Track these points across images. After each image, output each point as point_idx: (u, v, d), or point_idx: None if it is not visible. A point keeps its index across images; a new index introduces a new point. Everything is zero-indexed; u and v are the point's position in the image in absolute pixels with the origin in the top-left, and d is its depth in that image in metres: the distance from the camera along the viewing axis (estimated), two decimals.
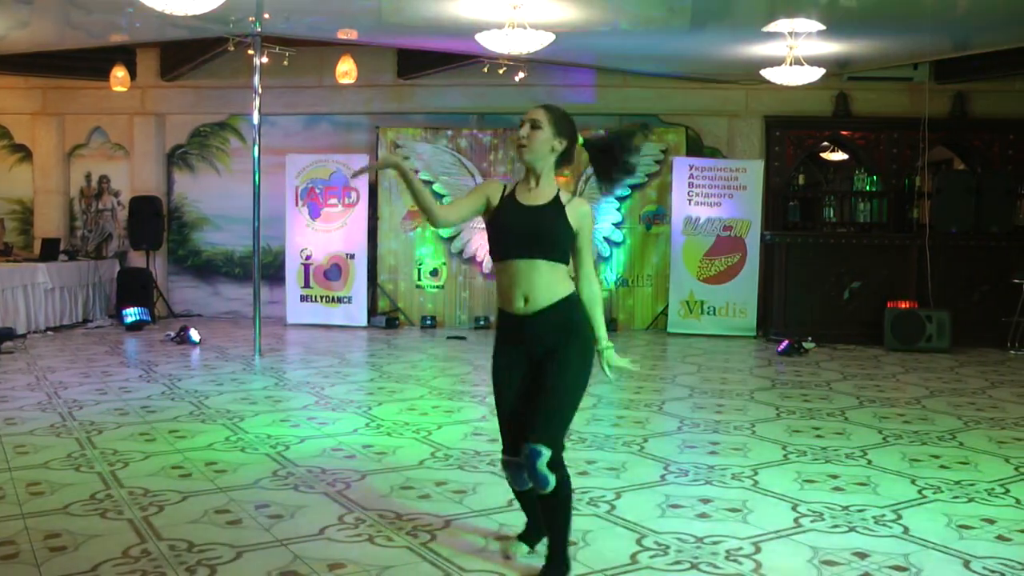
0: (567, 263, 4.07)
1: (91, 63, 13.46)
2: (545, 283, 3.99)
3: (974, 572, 4.24)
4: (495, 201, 4.12)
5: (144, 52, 14.18)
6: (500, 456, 4.22)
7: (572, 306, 4.05)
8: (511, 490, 4.34)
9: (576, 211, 4.05)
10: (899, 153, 13.53)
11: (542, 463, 3.83)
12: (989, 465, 6.19)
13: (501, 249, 4.07)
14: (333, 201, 13.47)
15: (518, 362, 4.08)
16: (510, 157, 13.60)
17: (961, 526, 4.90)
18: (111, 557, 4.25)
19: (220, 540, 4.50)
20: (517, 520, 4.77)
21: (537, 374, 4.02)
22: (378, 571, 4.13)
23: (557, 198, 4.08)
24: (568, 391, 3.99)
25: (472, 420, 7.31)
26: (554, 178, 4.14)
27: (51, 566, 4.14)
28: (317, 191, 13.47)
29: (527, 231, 4.01)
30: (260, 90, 10.59)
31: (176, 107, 14.60)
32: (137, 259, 14.29)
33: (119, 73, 13.17)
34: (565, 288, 4.04)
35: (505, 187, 4.15)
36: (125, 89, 13.45)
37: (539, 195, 4.09)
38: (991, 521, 4.99)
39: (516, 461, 4.02)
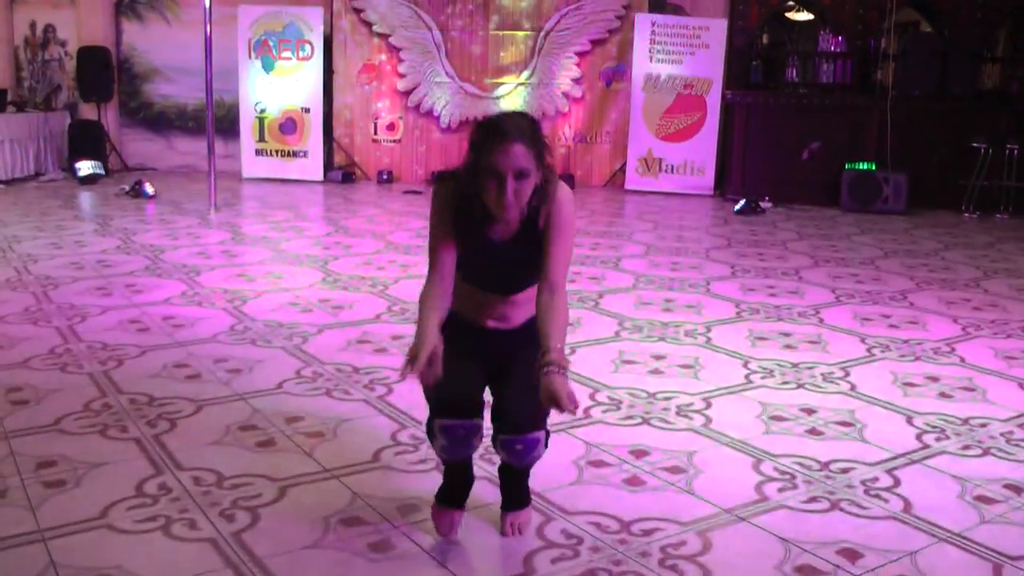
0: None
1: None
2: (524, 308, 3.18)
3: (916, 428, 4.38)
4: (460, 226, 3.08)
5: None
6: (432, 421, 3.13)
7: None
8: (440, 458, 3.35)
9: (548, 211, 3.04)
10: (865, 14, 13.34)
11: (540, 448, 3.13)
12: (937, 325, 6.33)
13: (470, 280, 3.17)
14: (287, 54, 13.17)
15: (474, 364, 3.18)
16: (468, 11, 13.34)
17: (906, 384, 5.03)
18: (73, 411, 4.28)
19: (180, 394, 4.54)
20: None
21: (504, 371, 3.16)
22: (335, 424, 4.20)
23: (530, 213, 3.06)
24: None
25: None
26: None
27: (14, 419, 4.16)
28: (271, 43, 13.16)
29: (499, 274, 3.16)
30: None
31: None
32: (88, 111, 13.97)
33: None
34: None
35: (460, 194, 3.06)
36: None
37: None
38: (935, 379, 5.13)
39: (463, 424, 3.06)
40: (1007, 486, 3.74)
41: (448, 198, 3.07)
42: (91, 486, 3.52)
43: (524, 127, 2.97)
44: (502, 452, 3.12)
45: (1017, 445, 4.19)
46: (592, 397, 4.65)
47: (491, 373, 3.18)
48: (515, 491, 3.30)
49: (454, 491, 3.29)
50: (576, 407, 2.76)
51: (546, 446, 3.15)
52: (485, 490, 3.41)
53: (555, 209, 3.04)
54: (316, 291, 6.83)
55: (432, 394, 3.06)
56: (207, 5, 10.30)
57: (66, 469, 3.65)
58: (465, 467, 3.30)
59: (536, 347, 2.92)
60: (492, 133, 2.94)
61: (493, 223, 3.06)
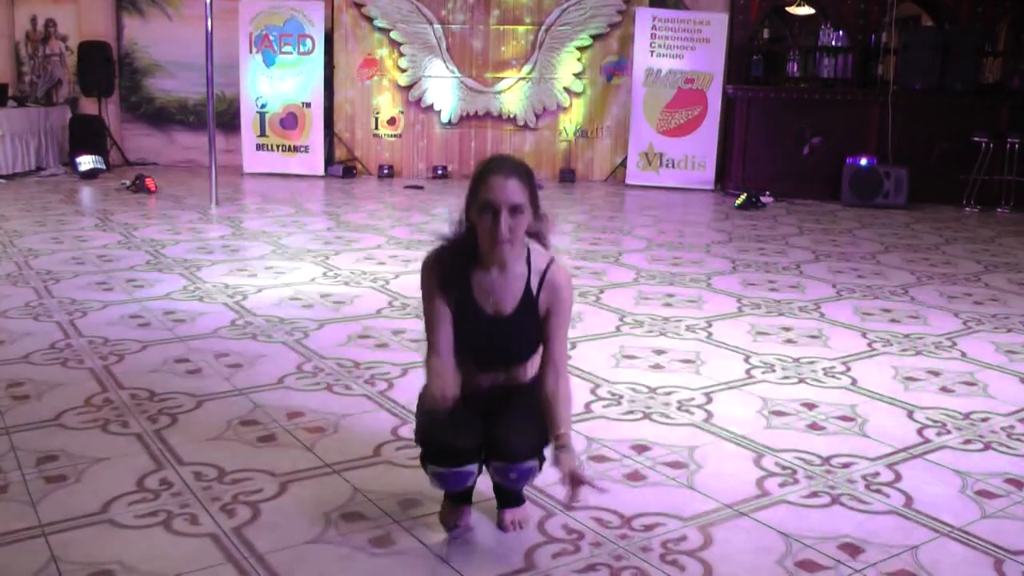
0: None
1: None
2: (526, 371, 3.18)
3: (916, 422, 4.37)
4: (452, 298, 3.06)
5: None
6: (427, 465, 3.11)
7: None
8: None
9: (548, 290, 3.07)
10: (866, 9, 13.34)
11: (534, 475, 3.14)
12: (938, 319, 6.32)
13: (466, 355, 3.10)
14: (288, 49, 13.17)
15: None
16: (469, 4, 13.33)
17: (907, 378, 5.03)
18: (74, 406, 4.28)
19: (181, 389, 4.54)
20: None
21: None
22: (336, 419, 4.19)
23: (528, 286, 3.06)
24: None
25: None
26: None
27: (15, 414, 4.16)
28: (271, 38, 13.16)
29: (499, 349, 3.12)
30: None
31: None
32: (89, 106, 13.97)
33: None
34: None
35: (454, 269, 3.06)
36: None
37: (506, 287, 3.06)
38: (936, 373, 5.12)
39: (457, 472, 3.07)
40: (1008, 480, 3.74)
41: (436, 268, 3.06)
42: (92, 481, 3.52)
43: (519, 167, 3.01)
44: (495, 476, 3.13)
45: (1018, 439, 4.19)
46: (593, 392, 4.65)
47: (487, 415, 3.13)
48: (509, 493, 3.29)
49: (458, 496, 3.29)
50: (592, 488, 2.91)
51: (540, 470, 3.13)
52: (485, 485, 3.40)
53: (558, 295, 3.08)
54: (317, 286, 6.82)
55: (424, 439, 3.10)
56: (207, 0, 10.29)
57: (67, 464, 3.64)
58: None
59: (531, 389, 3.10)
60: (486, 169, 2.97)
61: (488, 294, 3.06)
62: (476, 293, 3.07)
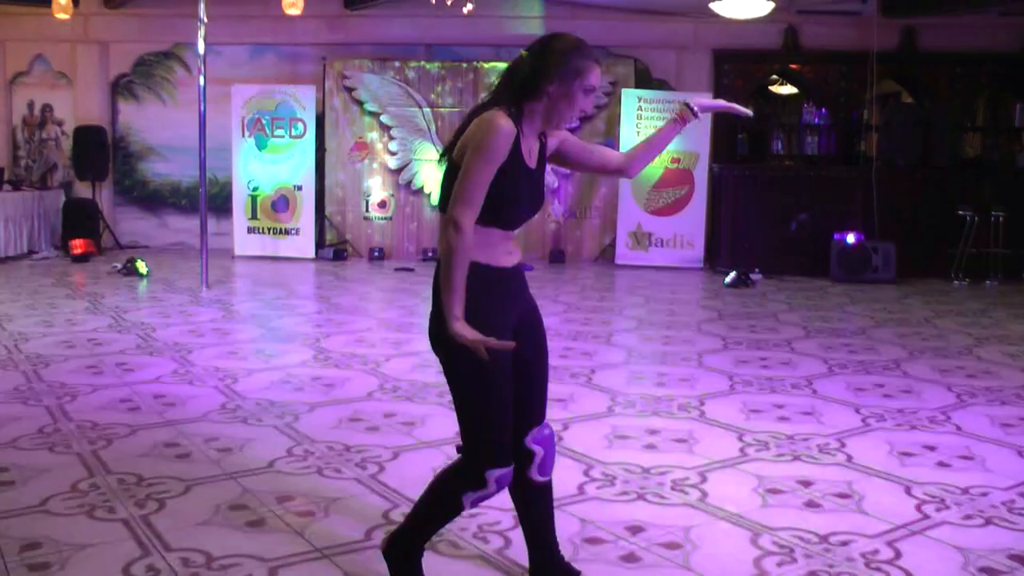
0: None
1: None
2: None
3: (915, 498, 4.34)
4: (506, 159, 3.02)
5: None
6: (493, 470, 3.04)
7: None
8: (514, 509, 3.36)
9: (553, 136, 3.30)
10: (848, 87, 13.54)
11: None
12: (932, 393, 6.31)
13: (510, 221, 3.12)
14: (280, 132, 13.28)
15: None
16: (458, 88, 13.48)
17: (903, 453, 4.99)
18: (60, 491, 4.23)
19: (169, 474, 4.49)
20: None
21: (526, 343, 3.16)
22: (327, 503, 4.15)
23: (541, 139, 3.23)
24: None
25: (421, 352, 7.29)
26: None
27: None
28: (263, 122, 13.27)
29: (536, 202, 3.20)
30: (205, 19, 10.34)
31: (120, 35, 14.25)
32: (83, 190, 14.05)
33: None
34: None
35: (515, 134, 3.02)
36: (68, 16, 12.96)
37: (535, 144, 3.19)
38: (932, 448, 5.10)
39: (510, 472, 3.12)
40: (1011, 556, 3.69)
41: (511, 132, 2.99)
42: (76, 569, 3.46)
43: None
44: (539, 450, 3.16)
45: (1019, 514, 4.15)
46: (586, 473, 4.61)
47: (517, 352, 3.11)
48: (555, 547, 3.31)
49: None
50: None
51: None
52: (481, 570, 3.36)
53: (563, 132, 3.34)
54: (308, 369, 6.79)
55: (486, 433, 3.04)
56: (202, 84, 10.40)
57: (51, 551, 3.59)
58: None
59: (536, 316, 3.27)
60: (589, 56, 3.09)
61: (525, 140, 3.10)
62: (523, 149, 3.08)
